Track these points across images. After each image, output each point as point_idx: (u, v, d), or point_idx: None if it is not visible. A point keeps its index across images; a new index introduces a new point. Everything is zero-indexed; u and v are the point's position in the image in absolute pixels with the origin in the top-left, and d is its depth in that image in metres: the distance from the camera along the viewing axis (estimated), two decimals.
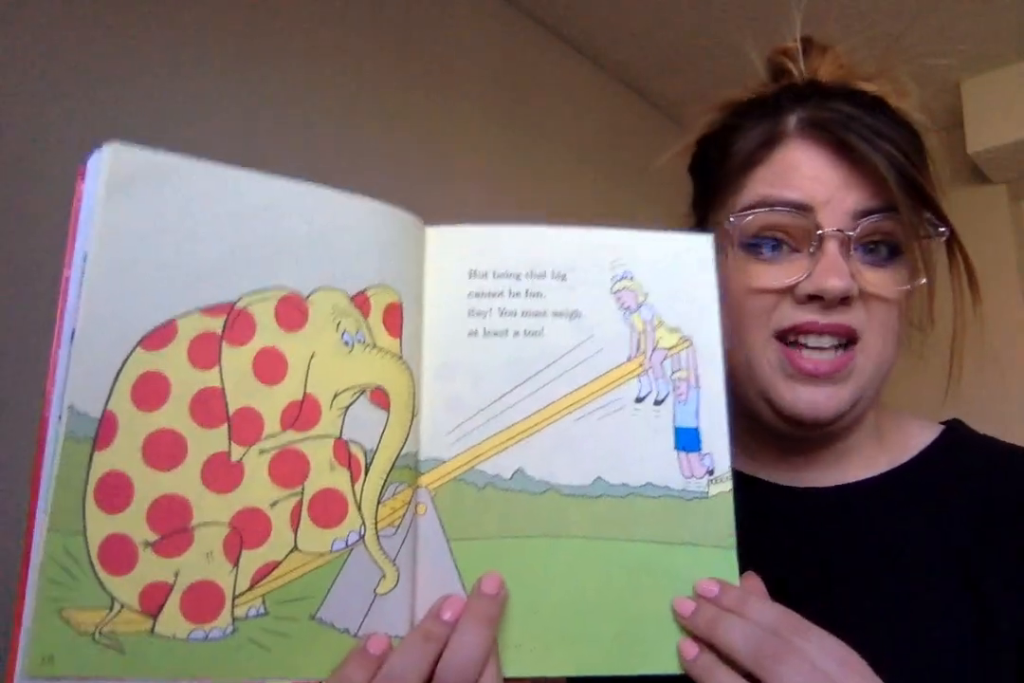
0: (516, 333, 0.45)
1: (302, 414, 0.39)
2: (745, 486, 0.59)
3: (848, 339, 0.53)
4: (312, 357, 0.40)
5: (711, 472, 0.44)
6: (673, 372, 0.45)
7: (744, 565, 0.45)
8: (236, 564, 0.37)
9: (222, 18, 1.29)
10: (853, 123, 0.52)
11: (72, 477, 0.34)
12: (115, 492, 0.35)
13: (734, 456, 0.61)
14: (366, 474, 0.40)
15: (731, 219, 0.54)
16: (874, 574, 0.53)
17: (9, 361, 0.94)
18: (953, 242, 0.56)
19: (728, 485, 0.44)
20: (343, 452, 0.40)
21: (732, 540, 0.43)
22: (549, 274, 0.46)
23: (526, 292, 0.45)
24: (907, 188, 0.51)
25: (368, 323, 0.42)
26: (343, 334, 0.41)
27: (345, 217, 0.42)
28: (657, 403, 0.45)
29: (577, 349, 0.45)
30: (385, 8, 1.55)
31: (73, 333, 0.35)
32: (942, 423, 0.62)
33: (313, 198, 0.41)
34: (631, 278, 0.46)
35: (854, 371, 0.53)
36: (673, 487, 0.44)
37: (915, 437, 0.60)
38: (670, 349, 0.45)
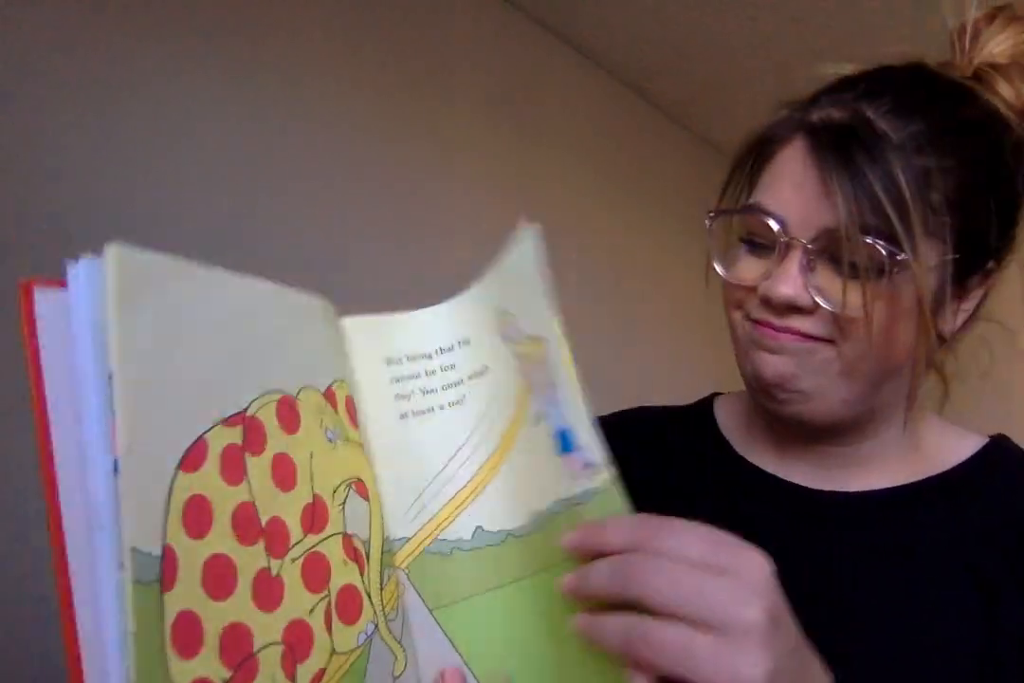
0: (441, 407, 0.48)
1: (316, 516, 0.39)
2: (772, 487, 0.61)
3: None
4: (311, 458, 0.40)
5: (590, 464, 0.43)
6: (545, 379, 0.46)
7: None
8: (294, 680, 0.36)
9: (221, 20, 1.22)
10: (863, 129, 0.48)
11: (150, 629, 0.30)
12: (189, 635, 0.32)
13: (763, 458, 0.63)
14: (368, 564, 0.42)
15: (706, 222, 0.57)
16: (886, 576, 0.55)
17: None
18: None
19: (611, 470, 0.42)
20: (350, 547, 0.41)
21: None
22: (456, 344, 0.48)
23: (440, 368, 0.48)
24: (897, 215, 0.48)
25: (338, 417, 0.43)
26: (326, 431, 0.42)
27: (303, 315, 0.43)
28: (541, 418, 0.47)
29: (492, 402, 0.48)
30: (385, 9, 1.47)
31: (116, 464, 0.31)
32: (990, 437, 0.61)
33: (276, 299, 0.41)
34: (507, 311, 0.47)
35: (815, 355, 0.53)
36: (574, 494, 0.44)
37: (954, 450, 0.60)
38: (534, 357, 0.46)
